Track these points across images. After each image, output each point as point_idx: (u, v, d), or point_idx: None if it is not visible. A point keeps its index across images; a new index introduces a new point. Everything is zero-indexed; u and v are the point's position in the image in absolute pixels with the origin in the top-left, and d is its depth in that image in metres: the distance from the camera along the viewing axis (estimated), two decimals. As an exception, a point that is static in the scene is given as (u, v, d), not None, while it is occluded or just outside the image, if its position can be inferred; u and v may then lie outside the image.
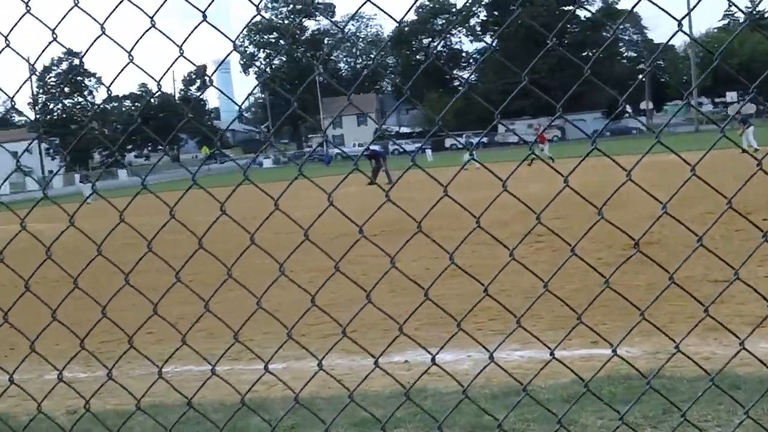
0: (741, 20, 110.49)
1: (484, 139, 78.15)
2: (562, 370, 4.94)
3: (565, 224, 12.45)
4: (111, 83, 2.49)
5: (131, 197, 2.29)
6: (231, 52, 2.19)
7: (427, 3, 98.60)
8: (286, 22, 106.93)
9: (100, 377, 6.12)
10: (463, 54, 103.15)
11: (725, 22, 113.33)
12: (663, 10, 2.25)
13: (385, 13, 2.11)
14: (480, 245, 10.21)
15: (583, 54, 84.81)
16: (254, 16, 2.13)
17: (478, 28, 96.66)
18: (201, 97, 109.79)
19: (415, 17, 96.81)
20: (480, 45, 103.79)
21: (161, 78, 2.19)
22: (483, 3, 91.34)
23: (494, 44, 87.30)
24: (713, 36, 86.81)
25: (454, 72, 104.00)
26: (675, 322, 6.68)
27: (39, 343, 2.56)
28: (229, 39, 2.16)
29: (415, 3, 2.23)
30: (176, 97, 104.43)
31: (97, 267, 2.49)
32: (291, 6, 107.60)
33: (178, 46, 2.12)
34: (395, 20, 2.07)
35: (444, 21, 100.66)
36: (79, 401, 5.55)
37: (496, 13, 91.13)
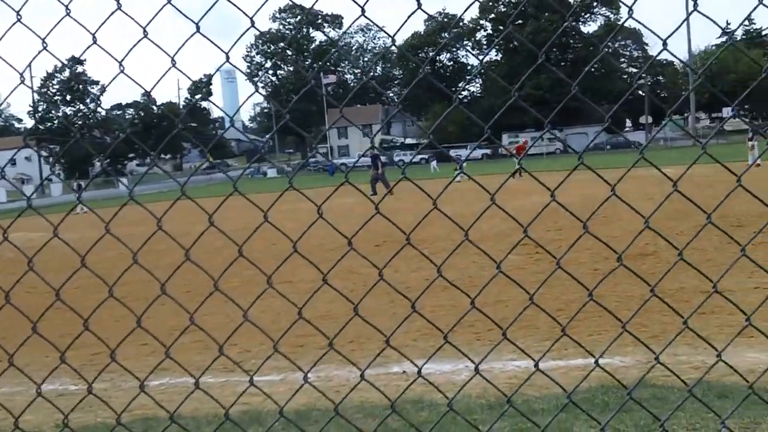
0: (737, 38, 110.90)
1: (488, 151, 78.33)
2: (561, 379, 5.05)
3: (562, 236, 12.62)
4: (102, 91, 2.50)
5: (121, 207, 2.26)
6: (222, 64, 2.21)
7: (434, 16, 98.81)
8: (293, 32, 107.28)
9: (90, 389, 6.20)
10: (469, 67, 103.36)
11: (723, 39, 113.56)
12: (648, 28, 2.36)
13: (380, 28, 2.21)
14: (481, 256, 10.30)
15: (584, 69, 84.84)
16: (247, 29, 2.16)
17: (484, 42, 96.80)
18: (205, 105, 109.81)
19: (422, 30, 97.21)
20: (486, 59, 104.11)
21: (151, 89, 2.27)
22: (489, 18, 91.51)
23: (500, 58, 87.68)
24: (711, 53, 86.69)
25: (459, 85, 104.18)
26: (667, 332, 6.77)
27: (30, 356, 2.53)
28: (222, 50, 2.18)
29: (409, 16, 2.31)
30: (181, 106, 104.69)
31: (89, 278, 2.49)
32: (299, 17, 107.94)
33: (170, 57, 2.16)
34: (389, 35, 2.15)
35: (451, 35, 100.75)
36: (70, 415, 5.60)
37: (501, 27, 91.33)
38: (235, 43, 2.18)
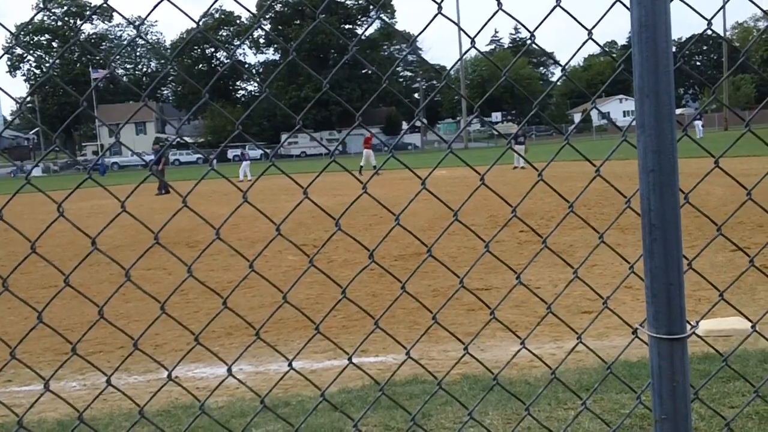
0: (505, 47, 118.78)
1: (268, 151, 78.20)
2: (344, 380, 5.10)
3: (341, 236, 12.81)
4: None
5: None
6: None
7: (212, 13, 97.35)
8: (59, 23, 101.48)
9: None
10: (247, 66, 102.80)
11: (492, 47, 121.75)
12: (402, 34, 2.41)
13: (127, 20, 2.12)
14: (263, 257, 10.26)
15: (363, 72, 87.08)
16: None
17: (262, 41, 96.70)
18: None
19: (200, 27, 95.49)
20: (263, 57, 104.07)
21: None
22: (268, 17, 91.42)
23: (278, 58, 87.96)
24: (481, 60, 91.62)
25: (237, 83, 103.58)
26: (439, 329, 7.02)
27: None
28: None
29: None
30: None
31: None
32: (66, 8, 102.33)
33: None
34: (135, 26, 2.08)
35: (228, 32, 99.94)
36: None
37: (280, 27, 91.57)
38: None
